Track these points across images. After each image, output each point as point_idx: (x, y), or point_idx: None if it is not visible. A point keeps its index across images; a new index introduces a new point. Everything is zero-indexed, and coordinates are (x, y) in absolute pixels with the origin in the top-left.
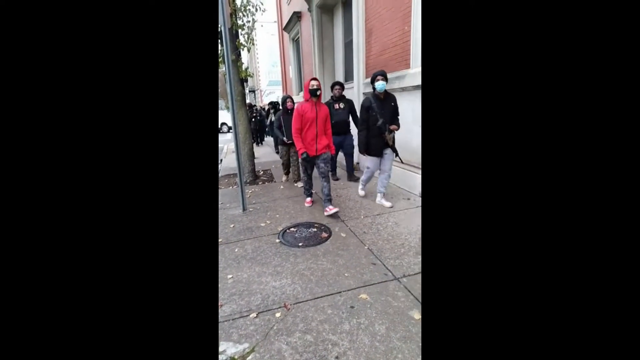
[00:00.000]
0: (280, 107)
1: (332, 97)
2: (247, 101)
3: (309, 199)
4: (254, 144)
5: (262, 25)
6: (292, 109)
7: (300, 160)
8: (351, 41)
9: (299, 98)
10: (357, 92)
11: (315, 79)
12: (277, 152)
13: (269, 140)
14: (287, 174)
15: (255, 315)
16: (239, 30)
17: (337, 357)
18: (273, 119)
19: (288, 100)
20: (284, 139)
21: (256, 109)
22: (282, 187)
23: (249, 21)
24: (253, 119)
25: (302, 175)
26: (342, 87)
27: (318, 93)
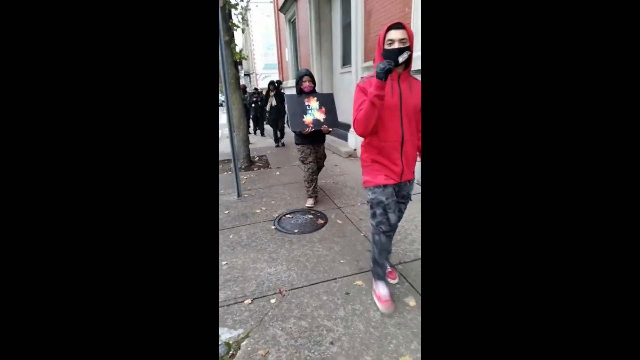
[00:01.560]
0: (284, 89)
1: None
2: (242, 83)
3: (383, 291)
4: (255, 133)
5: (256, 6)
6: (312, 92)
7: (370, 197)
8: (349, 23)
9: (294, 83)
10: (354, 76)
11: (399, 25)
12: (278, 145)
13: (269, 129)
14: (314, 191)
15: (250, 302)
16: (232, 10)
17: (331, 343)
18: (274, 103)
19: (305, 78)
20: (297, 130)
21: (257, 93)
22: (277, 173)
23: (242, 0)
24: (253, 105)
25: (374, 234)
26: None
27: (405, 56)
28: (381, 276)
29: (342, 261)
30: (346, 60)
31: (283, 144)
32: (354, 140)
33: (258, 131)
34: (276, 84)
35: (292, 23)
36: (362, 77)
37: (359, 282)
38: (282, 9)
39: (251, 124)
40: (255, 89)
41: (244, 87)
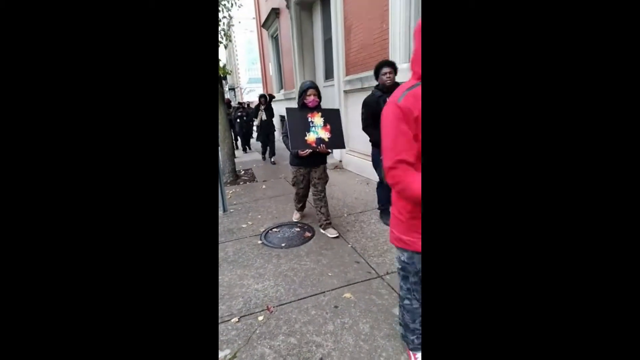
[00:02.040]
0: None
1: (377, 87)
2: (226, 97)
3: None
4: (244, 151)
5: (239, 22)
6: (317, 107)
7: (406, 262)
8: (330, 38)
9: (279, 96)
10: (337, 90)
11: None
12: (264, 158)
13: (255, 144)
14: (301, 208)
15: (237, 320)
16: None
17: (321, 359)
18: (264, 117)
19: (310, 91)
20: (294, 150)
21: (243, 107)
22: (264, 186)
23: (225, 17)
24: (238, 120)
25: (404, 297)
26: (395, 70)
27: None
28: (417, 346)
29: (330, 274)
30: (328, 74)
31: (274, 162)
32: (339, 152)
33: (246, 147)
34: (267, 98)
35: (275, 38)
36: (406, 90)
37: (347, 295)
38: (265, 25)
39: (239, 140)
40: (240, 103)
41: (229, 102)
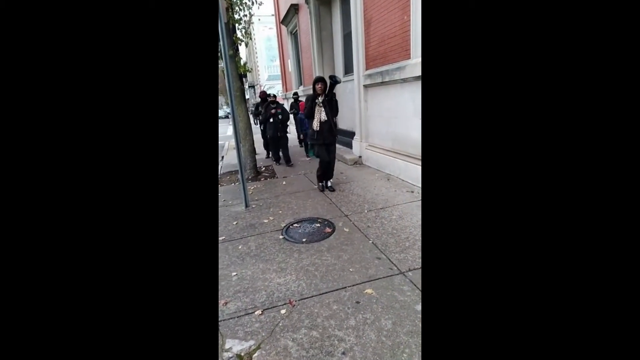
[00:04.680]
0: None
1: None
2: (261, 90)
3: None
4: (274, 162)
5: (259, 19)
6: None
7: None
8: (350, 33)
9: (299, 92)
10: (357, 84)
11: None
12: (323, 189)
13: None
14: None
15: (260, 313)
16: (236, 25)
17: (343, 353)
18: (323, 117)
19: None
20: None
21: (276, 102)
22: (284, 183)
23: (245, 15)
24: (271, 120)
25: None
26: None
27: None
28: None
29: (351, 269)
30: (348, 69)
31: (332, 189)
32: (359, 148)
33: (281, 156)
34: (329, 82)
35: (294, 34)
36: None
37: (369, 291)
38: (284, 21)
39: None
40: (274, 96)
41: (264, 95)
